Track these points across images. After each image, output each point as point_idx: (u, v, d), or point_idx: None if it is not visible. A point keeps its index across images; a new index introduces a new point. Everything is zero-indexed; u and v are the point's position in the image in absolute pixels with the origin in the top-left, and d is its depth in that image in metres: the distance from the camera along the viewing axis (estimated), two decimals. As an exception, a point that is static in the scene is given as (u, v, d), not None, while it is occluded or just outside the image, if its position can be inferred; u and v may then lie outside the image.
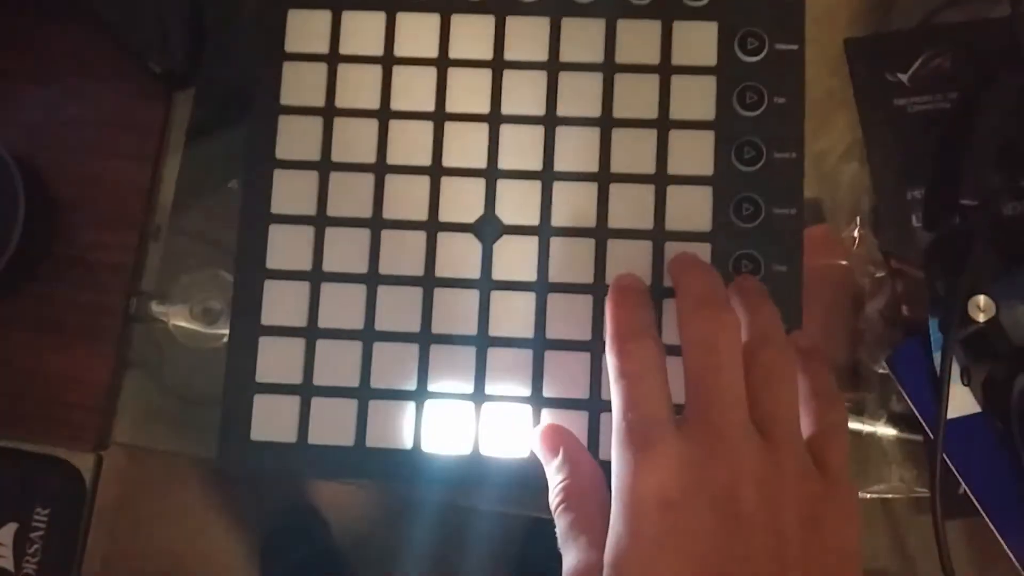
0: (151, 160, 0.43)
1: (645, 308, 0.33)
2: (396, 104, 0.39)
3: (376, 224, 0.38)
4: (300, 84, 0.39)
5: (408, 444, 0.37)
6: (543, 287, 0.37)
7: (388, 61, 0.39)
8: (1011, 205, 0.39)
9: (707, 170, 0.38)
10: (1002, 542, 0.37)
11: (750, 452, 0.29)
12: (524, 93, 0.38)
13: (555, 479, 0.33)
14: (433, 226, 0.38)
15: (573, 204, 0.38)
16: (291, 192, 0.38)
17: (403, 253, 0.38)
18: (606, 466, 0.31)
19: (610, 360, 0.31)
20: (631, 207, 0.38)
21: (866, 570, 0.39)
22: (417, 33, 0.39)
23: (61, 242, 0.42)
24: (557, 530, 0.31)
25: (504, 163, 0.38)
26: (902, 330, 0.39)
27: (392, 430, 0.37)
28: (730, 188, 0.37)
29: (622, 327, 0.32)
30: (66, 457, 0.41)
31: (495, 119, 0.38)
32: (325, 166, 0.39)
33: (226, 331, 0.40)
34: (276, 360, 0.38)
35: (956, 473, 0.38)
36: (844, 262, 0.40)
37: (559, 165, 0.38)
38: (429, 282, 0.38)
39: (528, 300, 0.37)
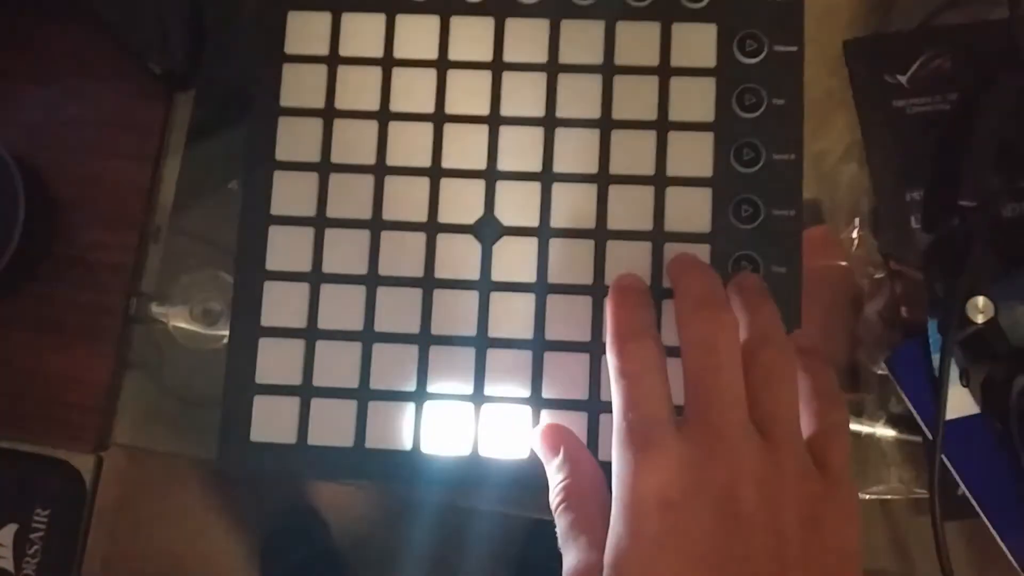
0: (151, 161, 0.43)
1: (646, 308, 0.33)
2: (396, 106, 0.39)
3: (376, 225, 0.38)
4: (300, 85, 0.39)
5: (408, 445, 0.37)
6: (542, 288, 0.37)
7: (388, 63, 0.39)
8: (1010, 207, 0.39)
9: (706, 171, 0.38)
10: (1001, 543, 0.37)
11: (750, 452, 0.29)
12: (524, 95, 0.39)
13: (556, 478, 0.33)
14: (433, 227, 0.38)
15: (572, 205, 0.38)
16: (291, 193, 0.39)
17: (403, 254, 0.38)
18: (606, 467, 0.31)
19: (611, 360, 0.31)
20: (630, 208, 0.38)
21: (865, 571, 0.39)
22: (417, 35, 0.39)
23: (61, 242, 0.42)
24: (557, 530, 0.31)
25: (504, 164, 0.38)
26: (901, 331, 0.39)
27: (392, 431, 0.37)
28: (729, 189, 0.37)
29: (623, 327, 0.32)
30: (66, 458, 0.41)
31: (495, 121, 0.38)
32: (325, 167, 0.39)
33: (226, 332, 0.40)
34: (276, 361, 0.38)
35: (955, 474, 0.38)
36: (843, 263, 0.40)
37: (558, 166, 0.38)
38: (429, 283, 0.38)
39: (528, 301, 0.37)
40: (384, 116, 0.39)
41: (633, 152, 0.38)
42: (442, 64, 0.39)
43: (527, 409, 0.37)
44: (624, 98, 0.38)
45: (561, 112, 0.38)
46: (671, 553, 0.27)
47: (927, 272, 0.39)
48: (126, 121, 0.43)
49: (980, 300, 0.36)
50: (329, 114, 0.39)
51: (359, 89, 0.39)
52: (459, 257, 0.38)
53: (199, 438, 0.40)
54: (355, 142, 0.39)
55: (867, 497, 0.39)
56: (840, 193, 0.41)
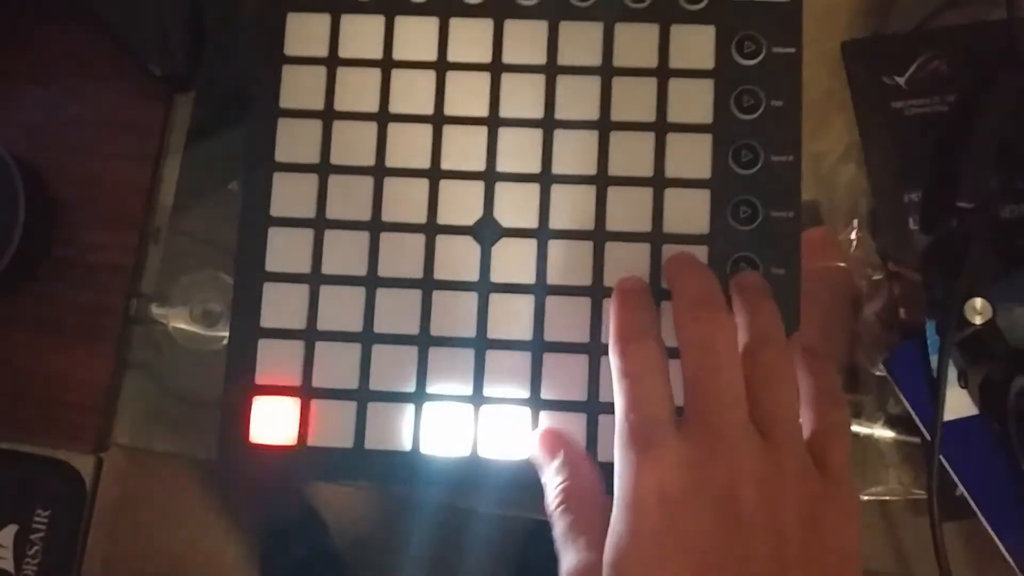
0: (151, 161, 0.43)
1: (648, 310, 0.33)
2: (395, 107, 0.39)
3: (375, 227, 0.38)
4: (299, 87, 0.39)
5: (407, 446, 0.37)
6: (541, 289, 0.37)
7: (387, 64, 0.39)
8: (1008, 208, 0.39)
9: (705, 173, 0.38)
10: (999, 544, 0.37)
11: (750, 452, 0.29)
12: (522, 96, 0.39)
13: (554, 481, 0.33)
14: (432, 229, 0.38)
15: (571, 207, 0.38)
16: (290, 195, 0.39)
17: (402, 256, 0.38)
18: (606, 468, 0.31)
19: (613, 360, 0.32)
20: (629, 210, 0.38)
21: (864, 572, 0.39)
22: (416, 36, 0.39)
23: (61, 243, 0.42)
24: (555, 531, 0.32)
25: (503, 166, 0.38)
26: (899, 332, 0.40)
27: (391, 432, 0.37)
28: (728, 191, 0.37)
29: (625, 328, 0.32)
30: (66, 458, 0.41)
31: (494, 122, 0.38)
32: (324, 169, 0.39)
33: (226, 333, 0.40)
34: (275, 362, 0.38)
35: (953, 475, 0.38)
36: (842, 264, 0.40)
37: (557, 168, 0.38)
38: (428, 284, 0.38)
39: (527, 302, 0.38)
40: (383, 118, 0.39)
41: (632, 154, 0.38)
42: (441, 66, 0.39)
43: (526, 410, 0.37)
44: (623, 100, 0.38)
45: (560, 114, 0.38)
46: (671, 552, 0.27)
47: (925, 273, 0.39)
48: (126, 122, 0.43)
49: (978, 301, 0.36)
50: (328, 115, 0.39)
51: (358, 90, 0.39)
52: (458, 258, 0.38)
53: (199, 439, 0.41)
54: (354, 143, 0.39)
55: (866, 498, 0.39)
56: (838, 194, 0.41)
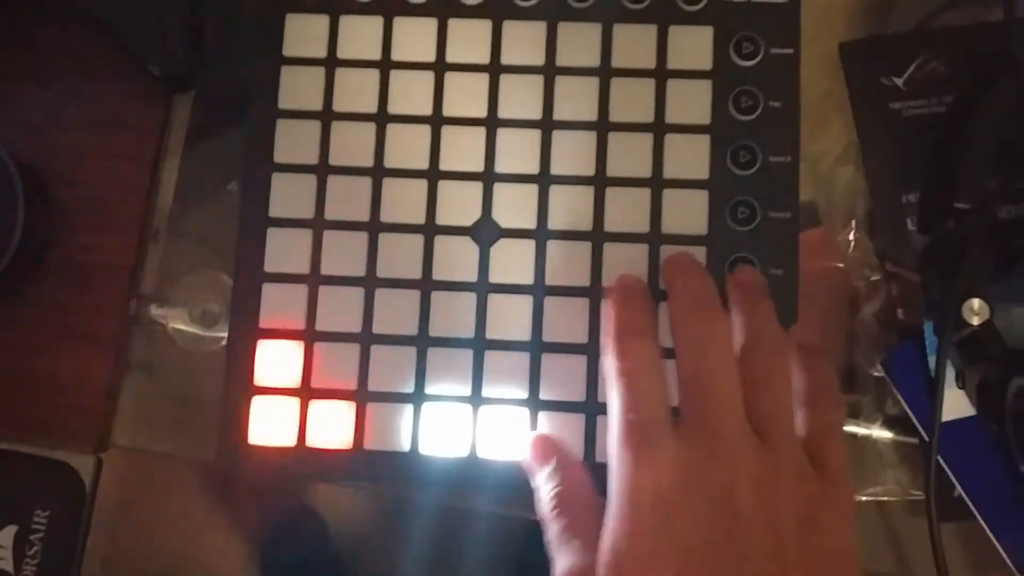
0: (150, 162, 0.43)
1: (646, 309, 0.33)
2: (393, 108, 0.39)
3: (374, 227, 0.38)
4: (298, 88, 0.39)
5: (406, 447, 0.37)
6: (540, 290, 0.38)
7: (385, 65, 0.39)
8: (1006, 208, 0.39)
9: (703, 174, 0.38)
10: (997, 545, 0.37)
11: (747, 453, 0.29)
12: (521, 97, 0.39)
13: (547, 485, 0.33)
14: (430, 229, 0.38)
15: (570, 208, 0.38)
16: (289, 195, 0.39)
17: (400, 256, 0.38)
18: (603, 469, 0.31)
19: (609, 360, 0.32)
20: (627, 211, 0.38)
21: (862, 572, 0.39)
22: (414, 37, 0.39)
23: (60, 244, 0.42)
24: (548, 535, 0.32)
25: (501, 167, 0.38)
26: (897, 333, 0.40)
27: (390, 433, 0.37)
28: (726, 192, 0.38)
29: (622, 327, 0.32)
30: (66, 459, 0.41)
31: (492, 123, 0.39)
32: (323, 170, 0.39)
33: (225, 334, 0.40)
34: (274, 363, 0.38)
35: (951, 476, 0.38)
36: (840, 265, 0.40)
37: (556, 169, 0.38)
38: (426, 285, 0.38)
39: (525, 303, 0.38)
40: (382, 118, 0.39)
41: (630, 154, 0.38)
42: (440, 66, 0.39)
43: (525, 411, 0.37)
44: (621, 100, 0.38)
45: (558, 114, 0.38)
46: (667, 552, 0.27)
47: (923, 274, 0.39)
48: (125, 122, 0.43)
49: (976, 302, 0.36)
50: (327, 116, 0.39)
51: (357, 91, 0.39)
52: (457, 259, 0.38)
53: (198, 439, 0.41)
54: (353, 144, 0.39)
55: (864, 499, 0.39)
56: (836, 195, 0.41)
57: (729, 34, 0.38)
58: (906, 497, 0.39)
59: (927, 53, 0.41)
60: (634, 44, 0.39)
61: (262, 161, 0.39)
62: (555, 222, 0.38)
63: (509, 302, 0.38)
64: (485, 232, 0.38)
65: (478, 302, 0.38)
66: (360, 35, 0.39)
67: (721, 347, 0.31)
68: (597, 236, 0.38)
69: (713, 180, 0.38)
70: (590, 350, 0.37)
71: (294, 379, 0.38)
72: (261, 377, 0.38)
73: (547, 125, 0.38)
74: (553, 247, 0.38)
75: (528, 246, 0.38)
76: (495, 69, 0.39)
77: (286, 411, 0.37)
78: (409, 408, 0.37)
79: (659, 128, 0.38)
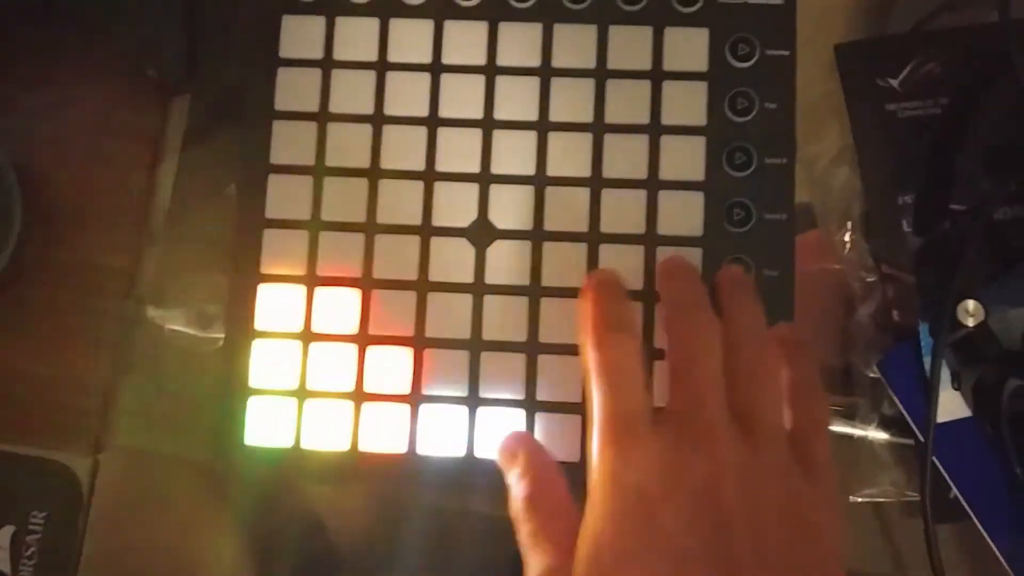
0: (148, 165, 0.43)
1: (624, 302, 0.33)
2: (389, 109, 0.39)
3: (370, 229, 0.38)
4: (294, 89, 0.39)
5: (403, 448, 0.37)
6: (536, 291, 0.38)
7: (382, 67, 0.39)
8: (1001, 210, 0.39)
9: (698, 175, 0.38)
10: (992, 546, 0.37)
11: (732, 448, 0.29)
12: (517, 99, 0.39)
13: (517, 486, 0.33)
14: (426, 231, 0.38)
15: (566, 209, 0.38)
16: (286, 196, 0.39)
17: (397, 258, 0.38)
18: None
19: (588, 354, 0.31)
20: (623, 212, 0.38)
21: (858, 573, 0.39)
22: (410, 39, 0.39)
23: (58, 247, 0.42)
24: (519, 536, 0.31)
25: (497, 168, 0.38)
26: (893, 334, 0.40)
27: (387, 434, 0.37)
28: (721, 193, 0.38)
29: (601, 321, 0.32)
30: (63, 460, 0.41)
31: (488, 124, 0.39)
32: (319, 171, 0.39)
33: (221, 335, 0.40)
34: (271, 365, 0.38)
35: (947, 477, 0.38)
36: (836, 267, 0.40)
37: (552, 170, 0.38)
38: (422, 286, 0.38)
39: (521, 304, 0.38)
40: (378, 120, 0.39)
41: (626, 156, 0.38)
42: (436, 68, 0.39)
43: (521, 412, 0.37)
44: (617, 102, 0.38)
45: (554, 116, 0.38)
46: (650, 548, 0.27)
47: (919, 276, 0.39)
48: (122, 126, 0.43)
49: (971, 303, 0.36)
50: (323, 118, 0.39)
51: (353, 93, 0.39)
52: (453, 260, 0.38)
53: (196, 440, 0.41)
54: (349, 145, 0.39)
55: (859, 500, 0.39)
56: (832, 197, 0.41)
57: (725, 36, 0.38)
58: (902, 498, 0.39)
59: (923, 54, 0.41)
60: (630, 46, 0.39)
61: (258, 162, 0.39)
62: (551, 223, 0.38)
63: (505, 303, 0.38)
64: (481, 233, 0.38)
65: (474, 303, 0.38)
66: (356, 37, 0.39)
67: (707, 344, 0.30)
68: (593, 237, 0.38)
69: (709, 182, 0.38)
70: (586, 351, 0.37)
71: (291, 380, 0.38)
72: (257, 378, 0.38)
73: (543, 126, 0.38)
74: (549, 248, 0.38)
75: (524, 247, 0.38)
76: (491, 71, 0.39)
77: (283, 412, 0.38)
78: (406, 409, 0.37)
79: (655, 130, 0.38)
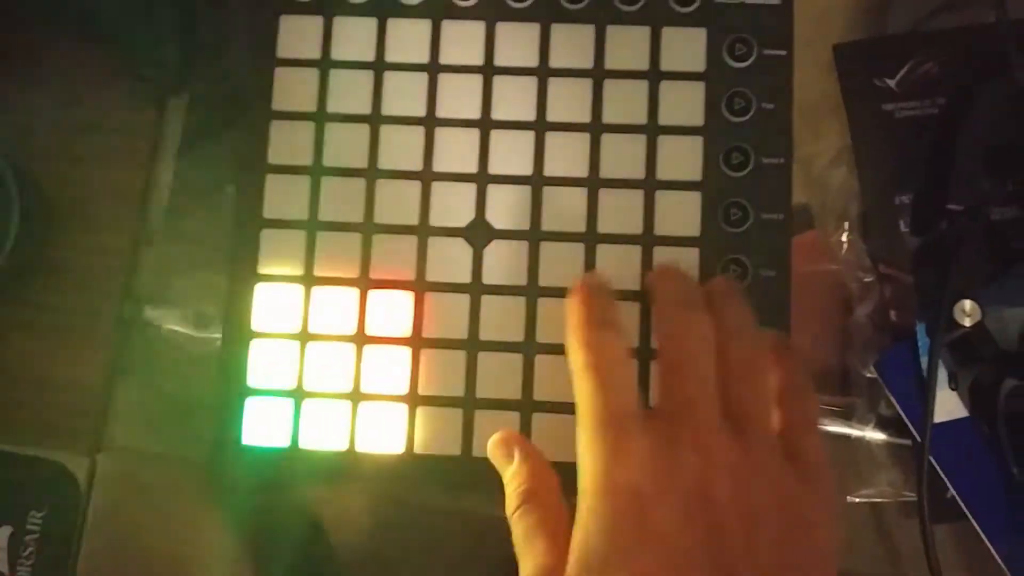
0: (145, 165, 0.43)
1: (610, 303, 0.33)
2: (387, 109, 0.39)
3: (367, 228, 0.38)
4: (292, 89, 0.39)
5: (400, 448, 0.37)
6: (533, 291, 0.38)
7: (379, 67, 0.39)
8: (998, 210, 0.39)
9: (696, 175, 0.38)
10: (989, 546, 0.37)
11: (723, 446, 0.29)
12: (514, 99, 0.39)
13: (511, 484, 0.33)
14: (424, 231, 0.38)
15: (563, 209, 0.38)
16: (283, 197, 0.39)
17: (394, 258, 0.38)
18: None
19: (575, 354, 0.31)
20: (620, 212, 0.38)
21: (855, 573, 0.39)
22: (408, 39, 0.39)
23: (55, 247, 0.42)
24: (513, 535, 0.31)
25: (494, 168, 0.38)
26: (890, 335, 0.40)
27: (384, 434, 0.37)
28: (719, 193, 0.38)
29: (588, 321, 0.32)
30: (60, 460, 0.41)
31: (485, 124, 0.39)
32: (317, 171, 0.39)
33: (219, 335, 0.40)
34: (268, 365, 0.38)
35: (944, 477, 0.38)
36: (833, 267, 0.40)
37: (549, 170, 0.38)
38: (420, 286, 0.38)
39: (518, 304, 0.38)
40: (376, 120, 0.39)
41: (623, 156, 0.38)
42: (433, 68, 0.39)
43: (518, 412, 0.37)
44: (614, 102, 0.38)
45: (552, 116, 0.39)
46: (643, 547, 0.27)
47: (916, 276, 0.39)
48: (120, 126, 0.43)
49: (967, 303, 0.36)
50: (321, 118, 0.39)
51: (351, 93, 0.39)
52: (450, 260, 0.38)
53: (193, 441, 0.41)
54: (347, 145, 0.39)
55: (857, 500, 0.39)
56: (830, 197, 0.41)
57: (722, 36, 0.38)
58: (899, 498, 0.39)
59: (920, 55, 0.41)
60: (627, 46, 0.39)
61: (256, 162, 0.39)
62: (548, 224, 0.38)
63: (502, 303, 0.38)
64: (478, 233, 0.38)
65: (471, 303, 0.38)
66: (354, 36, 0.39)
67: (699, 342, 0.30)
68: (590, 237, 0.38)
69: (706, 182, 0.38)
70: (583, 351, 0.37)
71: (288, 380, 0.38)
72: (255, 378, 0.38)
73: (540, 126, 0.38)
74: (546, 248, 0.38)
75: (521, 247, 0.38)
76: (488, 71, 0.39)
77: (280, 412, 0.38)
78: (403, 409, 0.37)
79: (652, 130, 0.38)
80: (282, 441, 0.37)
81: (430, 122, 0.39)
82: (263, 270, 0.38)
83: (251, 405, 0.38)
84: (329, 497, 0.42)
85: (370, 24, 0.39)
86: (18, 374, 0.41)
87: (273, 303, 0.38)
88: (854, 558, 0.39)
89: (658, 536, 0.27)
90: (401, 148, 0.39)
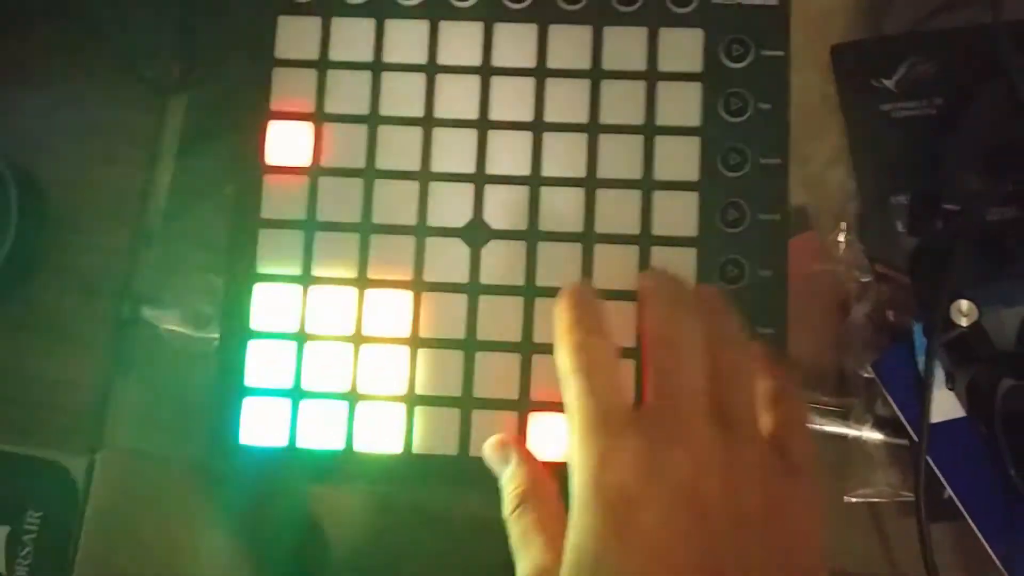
0: (144, 166, 0.43)
1: (597, 309, 0.33)
2: (385, 110, 0.39)
3: (365, 229, 0.38)
4: (290, 90, 0.39)
5: (398, 448, 0.37)
6: (531, 292, 0.38)
7: (377, 67, 0.39)
8: (995, 210, 0.39)
9: (693, 176, 0.38)
10: (986, 545, 0.37)
11: (712, 444, 0.29)
12: (512, 99, 0.39)
13: (509, 486, 0.33)
14: (422, 231, 0.38)
15: (560, 209, 0.38)
16: (281, 197, 0.39)
17: (392, 258, 0.38)
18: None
19: (563, 357, 0.31)
20: (618, 212, 0.38)
21: (852, 573, 0.39)
22: (406, 39, 0.39)
23: (54, 247, 0.42)
24: (510, 536, 0.31)
25: (492, 168, 0.38)
26: (887, 335, 0.40)
27: (381, 434, 0.37)
28: (716, 194, 0.38)
29: (575, 324, 0.32)
30: (58, 460, 0.41)
31: (483, 125, 0.39)
32: (315, 171, 0.39)
33: (217, 335, 0.41)
34: (266, 364, 0.38)
35: (941, 477, 0.38)
36: (831, 267, 0.40)
37: (547, 171, 0.38)
38: (417, 286, 0.38)
39: (516, 305, 0.38)
40: (373, 120, 0.39)
41: (620, 156, 0.38)
42: (431, 68, 0.39)
43: (516, 412, 0.37)
44: (611, 103, 0.38)
45: (549, 116, 0.39)
46: (633, 547, 0.27)
47: (913, 276, 0.39)
48: (119, 126, 0.43)
49: (964, 303, 0.36)
50: (319, 118, 0.39)
51: (348, 93, 0.39)
52: (448, 260, 0.38)
53: (191, 440, 0.41)
54: (344, 146, 0.39)
55: (854, 500, 0.39)
56: (827, 197, 0.41)
57: (719, 36, 0.38)
58: (896, 498, 0.39)
59: (917, 55, 0.41)
60: (625, 46, 0.39)
61: (254, 163, 0.39)
62: (546, 224, 0.38)
63: (500, 304, 0.38)
64: (476, 234, 0.38)
65: (469, 303, 0.38)
66: (352, 37, 0.39)
67: (687, 341, 0.30)
68: (588, 238, 0.38)
69: (703, 182, 0.38)
70: (580, 351, 0.37)
71: (286, 380, 0.38)
72: (253, 377, 0.38)
73: (538, 127, 0.39)
74: (544, 249, 0.38)
75: (519, 248, 0.38)
76: (486, 71, 0.39)
77: (278, 411, 0.38)
78: (401, 408, 0.37)
79: (649, 130, 0.38)
80: (280, 441, 0.37)
81: (428, 122, 0.39)
82: (261, 270, 0.38)
83: (249, 404, 0.38)
84: (326, 497, 0.42)
85: (368, 25, 0.40)
86: (15, 373, 0.41)
87: (271, 303, 0.38)
88: (851, 558, 0.39)
89: (648, 535, 0.27)
90: (399, 148, 0.39)
